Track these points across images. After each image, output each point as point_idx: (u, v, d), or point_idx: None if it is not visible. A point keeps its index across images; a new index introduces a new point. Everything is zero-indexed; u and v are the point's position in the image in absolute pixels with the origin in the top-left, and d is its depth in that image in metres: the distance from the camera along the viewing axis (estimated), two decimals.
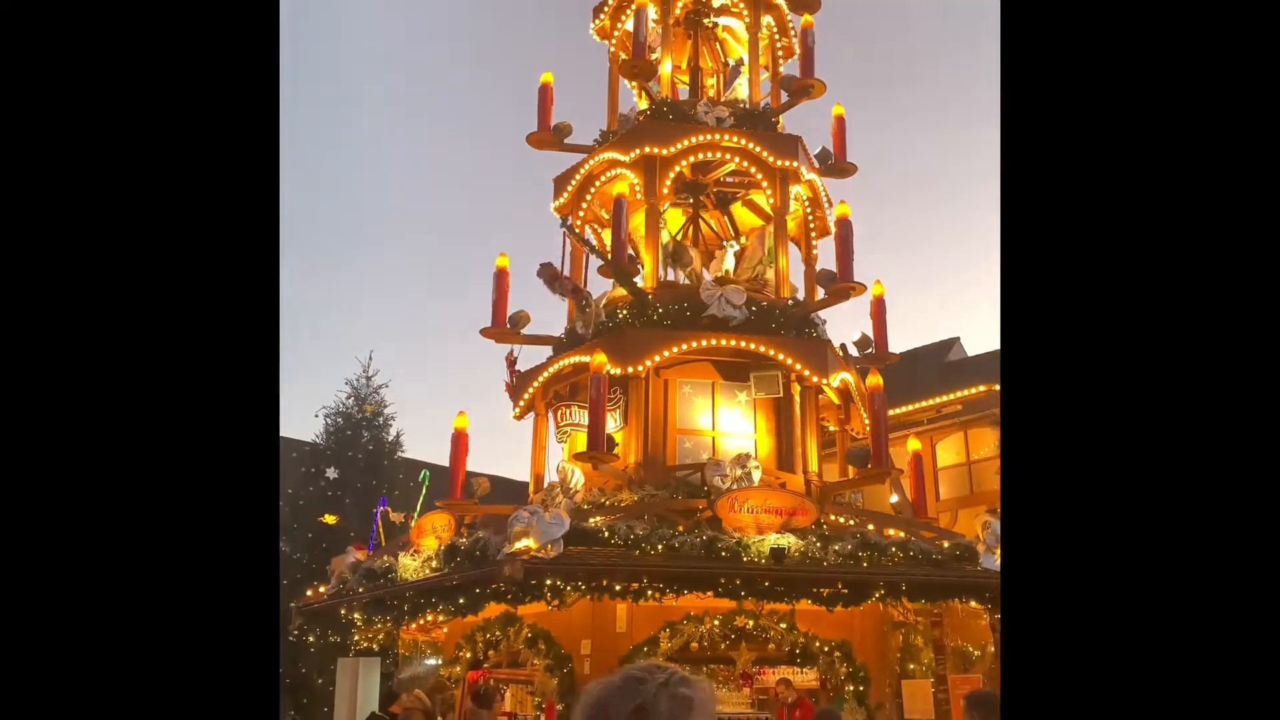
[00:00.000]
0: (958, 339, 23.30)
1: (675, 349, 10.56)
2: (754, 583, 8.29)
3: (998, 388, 15.48)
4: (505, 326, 11.36)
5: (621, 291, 11.43)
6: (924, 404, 16.20)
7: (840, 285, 11.13)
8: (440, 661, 10.58)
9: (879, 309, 11.87)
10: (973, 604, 9.09)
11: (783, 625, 8.93)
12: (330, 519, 17.08)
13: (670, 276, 12.20)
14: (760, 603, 8.59)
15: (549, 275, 11.17)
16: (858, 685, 8.90)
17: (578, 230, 12.27)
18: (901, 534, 9.41)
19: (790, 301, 11.63)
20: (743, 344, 10.64)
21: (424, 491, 13.22)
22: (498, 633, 9.26)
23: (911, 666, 9.48)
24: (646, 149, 11.55)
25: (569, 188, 12.48)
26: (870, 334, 12.13)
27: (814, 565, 8.43)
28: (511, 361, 11.86)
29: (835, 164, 12.72)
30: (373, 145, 74.63)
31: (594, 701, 1.77)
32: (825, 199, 12.75)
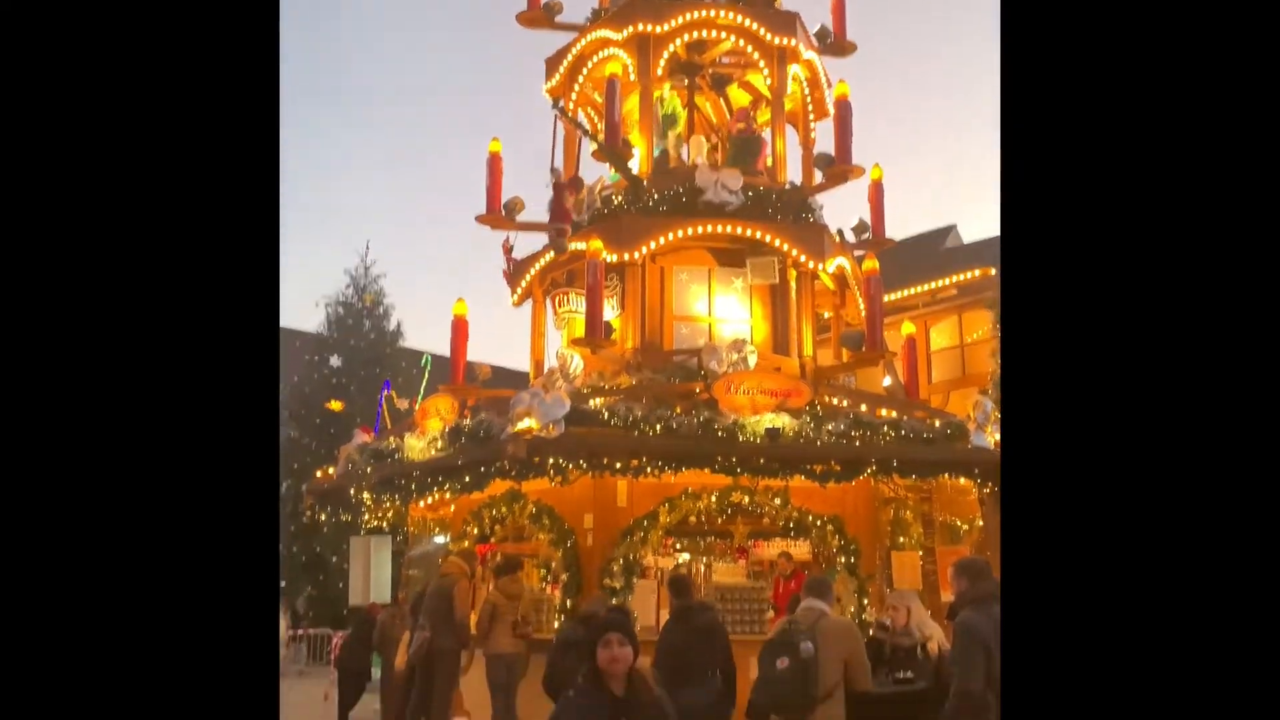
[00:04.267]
0: (954, 226, 23.12)
1: (671, 235, 10.55)
2: (750, 460, 8.52)
3: (993, 272, 15.53)
4: (500, 213, 11.32)
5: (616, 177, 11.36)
6: (919, 289, 16.27)
7: (838, 168, 11.05)
8: (449, 538, 10.97)
9: (877, 193, 11.80)
10: (962, 481, 9.39)
11: (777, 501, 9.23)
12: (336, 405, 17.39)
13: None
14: (756, 479, 8.87)
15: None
16: (849, 557, 9.25)
17: (570, 114, 12.09)
18: (894, 414, 9.62)
19: (787, 186, 11.56)
20: (739, 230, 10.63)
21: (426, 376, 13.41)
22: (503, 509, 9.58)
23: (901, 540, 9.83)
24: (639, 27, 11.28)
25: (561, 69, 12.24)
26: (868, 219, 12.10)
27: (808, 444, 8.67)
28: (508, 249, 11.86)
29: (834, 42, 12.41)
30: (362, 27, 72.35)
31: None
32: (824, 79, 12.53)
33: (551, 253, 11.22)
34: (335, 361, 18.48)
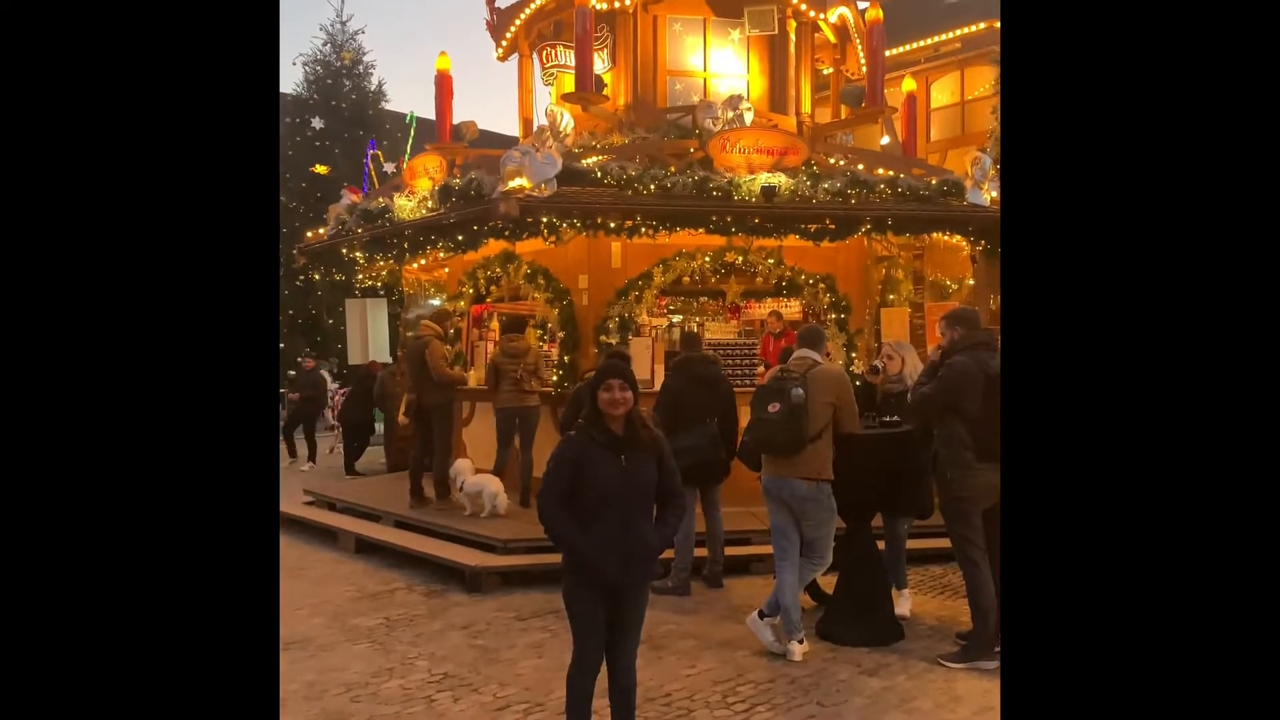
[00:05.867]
0: None
1: None
2: (744, 220, 8.46)
3: (999, 24, 14.80)
4: None
5: None
6: (922, 44, 15.56)
7: None
8: (444, 299, 11.08)
9: None
10: (956, 239, 9.39)
11: (770, 261, 9.27)
12: (322, 169, 16.98)
13: None
14: (750, 239, 8.86)
15: None
16: (839, 314, 9.41)
17: None
18: (891, 172, 9.47)
19: None
20: None
21: (412, 133, 13.00)
22: (498, 270, 9.60)
23: (891, 297, 9.97)
24: None
25: None
26: None
27: (803, 203, 8.58)
28: None
29: None
30: None
31: None
32: None
33: (536, 0, 10.62)
34: (317, 124, 17.85)
